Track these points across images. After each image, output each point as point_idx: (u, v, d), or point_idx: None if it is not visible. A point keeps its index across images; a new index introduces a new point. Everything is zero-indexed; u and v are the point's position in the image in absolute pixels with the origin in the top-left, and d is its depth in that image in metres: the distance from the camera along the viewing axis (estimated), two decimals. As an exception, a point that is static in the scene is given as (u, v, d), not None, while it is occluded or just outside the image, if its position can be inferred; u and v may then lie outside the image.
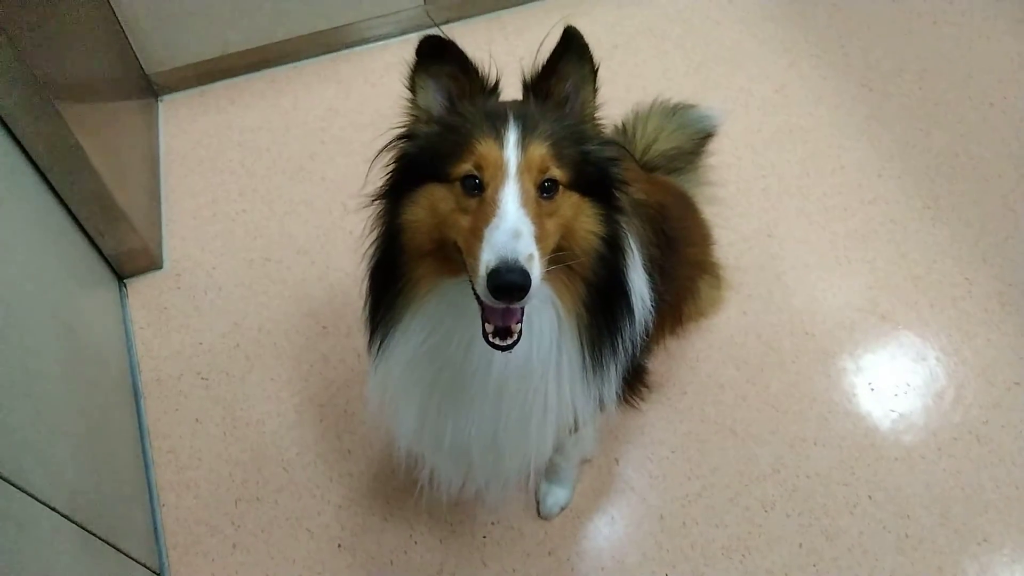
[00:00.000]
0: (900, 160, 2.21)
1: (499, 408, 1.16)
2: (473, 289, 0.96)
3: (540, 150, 0.98)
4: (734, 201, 2.10)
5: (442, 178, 1.01)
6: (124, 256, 1.99)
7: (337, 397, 1.82)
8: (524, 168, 0.97)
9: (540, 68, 1.07)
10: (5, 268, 1.35)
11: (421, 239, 1.04)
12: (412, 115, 1.10)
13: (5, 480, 1.08)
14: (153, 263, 2.06)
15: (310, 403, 1.82)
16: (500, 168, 0.97)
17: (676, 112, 1.76)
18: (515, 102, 1.07)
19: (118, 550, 1.41)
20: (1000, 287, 1.95)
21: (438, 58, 1.05)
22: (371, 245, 1.13)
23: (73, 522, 1.25)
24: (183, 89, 2.45)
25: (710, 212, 1.82)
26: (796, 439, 1.73)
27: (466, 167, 0.98)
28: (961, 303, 1.93)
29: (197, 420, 1.81)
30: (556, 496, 1.64)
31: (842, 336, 1.88)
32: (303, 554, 1.63)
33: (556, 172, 1.00)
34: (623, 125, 1.76)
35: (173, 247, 2.11)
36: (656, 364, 1.82)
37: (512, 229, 0.92)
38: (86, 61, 1.92)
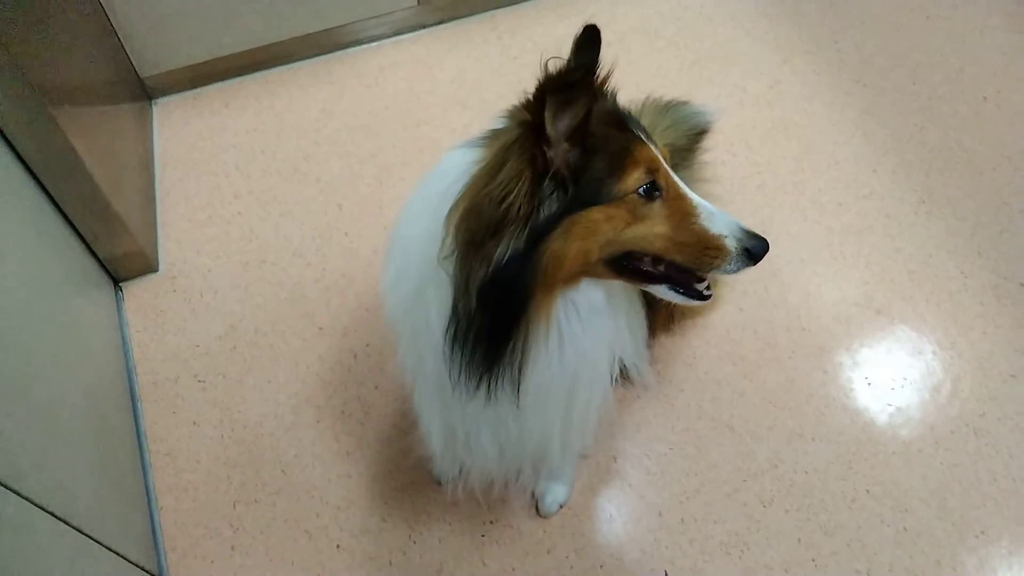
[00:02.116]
0: (894, 155, 2.21)
1: (572, 398, 1.19)
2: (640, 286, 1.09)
3: (662, 141, 1.04)
4: (729, 198, 2.11)
5: (603, 199, 0.96)
6: (119, 259, 1.99)
7: (334, 398, 1.82)
8: (667, 161, 1.02)
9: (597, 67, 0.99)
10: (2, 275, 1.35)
11: (569, 267, 0.99)
12: (537, 151, 0.94)
13: (1, 484, 1.08)
14: (149, 266, 2.05)
15: (307, 405, 1.82)
16: (662, 166, 1.01)
17: (669, 109, 1.75)
18: (601, 101, 1.00)
19: (116, 553, 1.41)
20: (995, 280, 1.96)
21: (571, 88, 0.92)
22: (466, 295, 0.98)
23: (70, 526, 1.25)
24: (177, 92, 2.45)
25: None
26: (793, 434, 1.74)
27: (639, 176, 0.97)
28: (957, 297, 1.94)
29: (194, 423, 1.81)
30: (555, 494, 1.64)
31: (838, 331, 1.89)
32: (302, 555, 1.63)
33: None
34: None
35: (168, 250, 2.10)
36: (653, 361, 1.82)
37: (714, 209, 1.03)
38: (79, 65, 1.92)
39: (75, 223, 1.81)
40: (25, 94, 1.53)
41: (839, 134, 2.26)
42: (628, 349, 1.21)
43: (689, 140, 1.75)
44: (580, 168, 0.95)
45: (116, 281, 2.03)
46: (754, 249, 1.03)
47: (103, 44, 2.14)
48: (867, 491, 1.66)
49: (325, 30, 2.46)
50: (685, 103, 1.78)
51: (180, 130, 2.37)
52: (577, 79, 0.91)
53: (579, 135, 0.95)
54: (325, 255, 2.07)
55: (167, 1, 2.20)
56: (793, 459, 1.70)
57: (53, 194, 1.71)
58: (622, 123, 1.01)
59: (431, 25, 2.58)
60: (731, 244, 1.02)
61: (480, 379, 1.04)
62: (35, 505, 1.16)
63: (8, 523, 1.07)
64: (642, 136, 1.01)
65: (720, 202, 2.02)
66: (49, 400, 1.37)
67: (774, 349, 1.86)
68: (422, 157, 2.25)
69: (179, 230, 2.15)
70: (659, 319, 1.66)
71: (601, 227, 0.97)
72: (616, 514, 1.66)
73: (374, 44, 2.55)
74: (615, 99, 1.06)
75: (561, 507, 1.65)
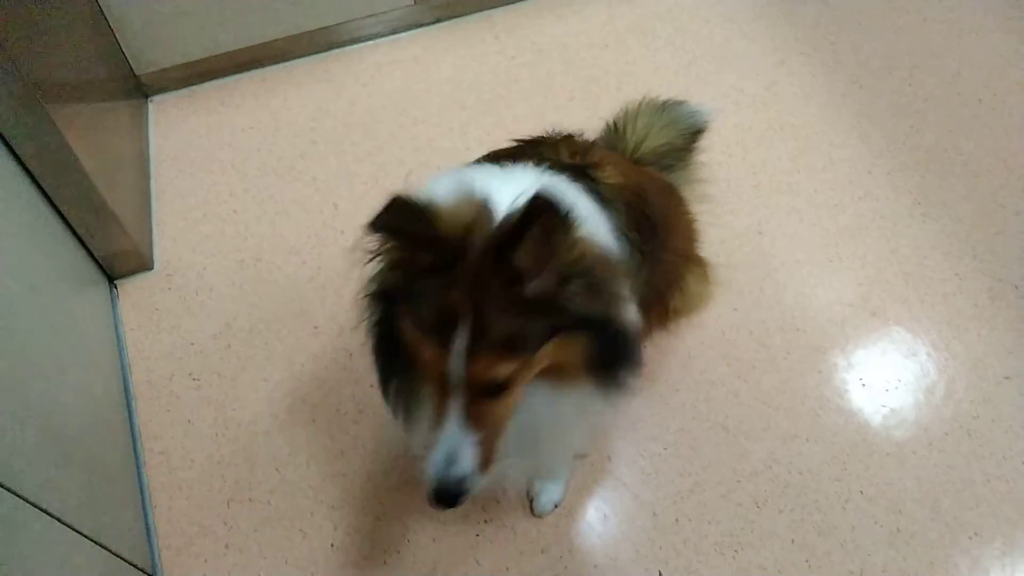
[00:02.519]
0: (890, 157, 2.22)
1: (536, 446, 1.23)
2: None
3: (486, 361, 0.93)
4: (724, 198, 2.11)
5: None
6: (114, 257, 1.98)
7: (330, 397, 1.82)
8: (467, 383, 0.95)
9: (502, 245, 0.90)
10: None
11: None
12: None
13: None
14: (144, 264, 2.05)
15: (302, 403, 1.82)
16: (445, 381, 0.96)
17: (665, 109, 1.76)
18: (473, 279, 0.92)
19: (110, 551, 1.40)
20: (990, 282, 1.96)
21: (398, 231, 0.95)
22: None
23: (64, 524, 1.25)
24: (173, 90, 2.44)
25: (700, 210, 1.81)
26: (788, 435, 1.74)
27: (422, 357, 0.97)
28: (951, 298, 1.94)
29: (189, 421, 1.81)
30: (550, 493, 1.64)
31: (833, 332, 1.89)
32: (296, 554, 1.62)
33: (505, 372, 0.95)
34: (614, 123, 1.76)
35: (164, 248, 2.10)
36: (648, 361, 1.82)
37: (448, 454, 0.99)
38: (75, 62, 1.91)
39: (70, 220, 1.81)
40: (21, 91, 1.53)
41: (835, 136, 2.27)
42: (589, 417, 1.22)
43: (685, 140, 1.75)
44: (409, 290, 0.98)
45: (111, 279, 2.03)
46: (431, 495, 1.02)
47: (99, 41, 2.14)
48: (861, 492, 1.66)
49: (322, 28, 2.46)
50: (681, 103, 1.78)
51: (176, 128, 2.36)
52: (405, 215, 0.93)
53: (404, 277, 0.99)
54: (320, 254, 2.06)
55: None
56: (787, 460, 1.71)
57: (48, 191, 1.71)
58: (441, 317, 0.93)
59: (428, 24, 2.58)
60: (428, 467, 1.01)
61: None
62: (28, 503, 1.15)
63: (1, 521, 1.07)
64: (454, 345, 0.92)
65: (716, 202, 2.04)
66: (43, 398, 1.37)
67: (769, 350, 1.87)
68: (418, 156, 2.25)
69: (174, 228, 2.14)
70: (653, 317, 1.66)
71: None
72: (611, 514, 1.66)
73: (371, 43, 2.55)
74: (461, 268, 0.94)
75: (556, 507, 1.65)
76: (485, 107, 2.37)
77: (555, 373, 1.04)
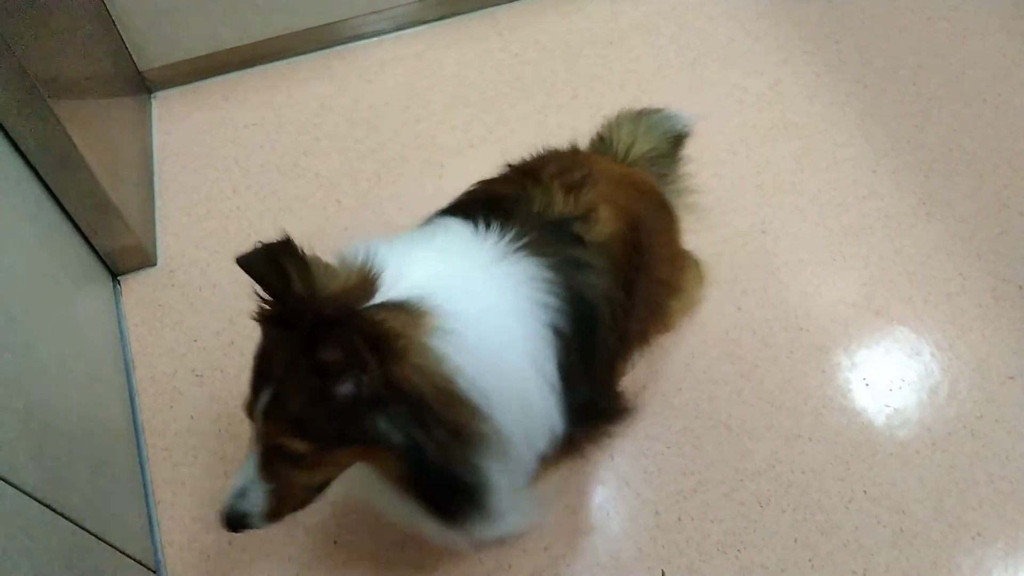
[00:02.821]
0: (894, 156, 2.21)
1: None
2: None
3: (276, 427, 0.98)
4: (728, 197, 2.11)
5: None
6: (118, 253, 1.98)
7: (332, 394, 1.82)
8: (263, 436, 1.00)
9: (312, 334, 0.91)
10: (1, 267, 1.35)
11: None
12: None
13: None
14: (147, 260, 2.05)
15: (305, 400, 1.82)
16: (252, 426, 1.02)
17: (643, 117, 1.74)
18: (293, 348, 0.94)
19: (113, 547, 1.40)
20: (994, 282, 1.96)
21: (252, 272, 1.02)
22: None
23: (68, 519, 1.25)
24: (176, 85, 2.43)
25: (692, 214, 1.80)
26: (791, 435, 1.74)
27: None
28: (955, 298, 1.94)
29: (192, 417, 1.81)
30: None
31: (837, 332, 1.89)
32: (299, 551, 1.62)
33: (298, 446, 0.97)
34: (599, 136, 1.73)
35: (167, 244, 2.10)
36: (651, 360, 1.82)
37: (241, 488, 1.04)
38: (79, 57, 1.91)
39: (73, 216, 1.81)
40: (25, 86, 1.52)
41: (839, 135, 2.26)
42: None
43: (669, 145, 1.72)
44: None
45: (114, 275, 2.03)
46: (220, 516, 1.09)
47: (103, 37, 2.13)
48: (864, 492, 1.66)
49: (325, 25, 2.45)
50: (659, 110, 1.76)
51: (179, 124, 2.36)
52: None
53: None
54: (324, 251, 2.05)
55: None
56: (790, 459, 1.71)
57: (52, 187, 1.70)
58: (261, 369, 0.99)
59: (432, 21, 2.58)
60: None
61: None
62: (32, 498, 1.15)
63: (5, 517, 1.07)
64: (260, 400, 0.97)
65: (719, 201, 2.04)
66: (47, 394, 1.36)
67: (772, 349, 1.86)
68: (421, 153, 2.24)
69: (178, 224, 2.14)
70: (653, 321, 1.63)
71: None
72: (613, 512, 1.66)
73: (374, 39, 2.54)
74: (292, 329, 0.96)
75: (513, 536, 1.59)
76: (488, 104, 2.37)
77: (378, 471, 1.07)
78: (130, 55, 2.30)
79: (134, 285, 2.03)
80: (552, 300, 1.09)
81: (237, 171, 2.24)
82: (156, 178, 2.24)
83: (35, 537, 1.14)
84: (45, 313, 1.51)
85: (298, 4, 2.36)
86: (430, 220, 1.29)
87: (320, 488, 1.12)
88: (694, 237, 1.73)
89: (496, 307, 1.05)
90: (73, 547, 1.26)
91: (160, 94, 2.44)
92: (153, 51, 2.32)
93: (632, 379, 1.80)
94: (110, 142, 1.99)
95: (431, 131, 2.30)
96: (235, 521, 1.06)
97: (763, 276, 1.98)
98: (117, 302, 1.99)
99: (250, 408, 1.00)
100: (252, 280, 1.01)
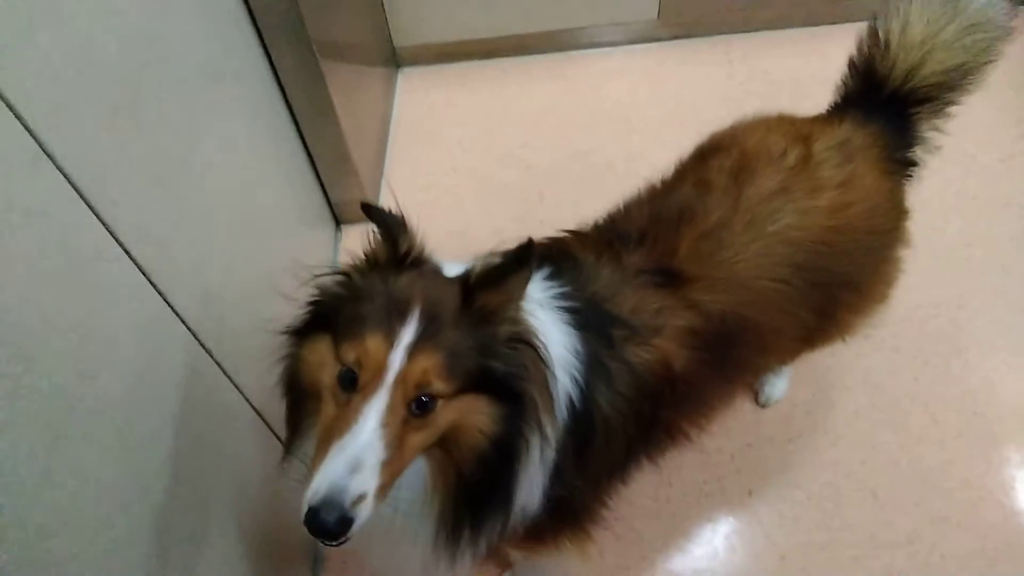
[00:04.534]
0: None
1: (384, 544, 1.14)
2: None
3: (428, 362, 0.89)
4: (931, 264, 2.04)
5: (336, 346, 0.94)
6: (345, 205, 2.24)
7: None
8: (402, 380, 0.88)
9: (484, 276, 0.95)
10: (256, 196, 1.60)
11: (311, 384, 0.99)
12: (358, 262, 1.04)
13: (227, 376, 1.30)
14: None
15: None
16: (379, 374, 0.88)
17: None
18: (433, 288, 0.96)
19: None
20: None
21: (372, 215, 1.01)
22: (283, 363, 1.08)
23: (263, 420, 1.46)
24: (423, 64, 2.67)
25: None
26: (939, 517, 1.69)
27: (350, 357, 0.90)
28: None
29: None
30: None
31: (1014, 425, 1.80)
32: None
33: (439, 386, 0.90)
34: (874, 34, 1.35)
35: (387, 206, 2.32)
36: (812, 406, 1.83)
37: (354, 459, 0.84)
38: (348, 26, 2.15)
39: (318, 166, 2.07)
40: (304, 49, 1.76)
41: (1069, 224, 2.13)
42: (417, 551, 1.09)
43: (980, 51, 1.34)
44: (342, 304, 0.98)
45: (338, 223, 2.29)
46: (308, 518, 0.84)
47: (370, 11, 2.39)
48: (1006, 594, 1.60)
49: (565, 29, 2.60)
50: None
51: (418, 99, 2.59)
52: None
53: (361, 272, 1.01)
54: (519, 237, 2.20)
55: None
56: (932, 541, 1.67)
57: (307, 138, 1.97)
58: (394, 306, 0.92)
59: (665, 39, 2.65)
60: (312, 485, 0.85)
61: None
62: (244, 398, 1.37)
63: (224, 408, 1.29)
64: (401, 336, 0.90)
65: (920, 267, 1.98)
66: (270, 317, 1.59)
67: (940, 427, 1.81)
68: (629, 164, 2.34)
69: (399, 191, 2.35)
70: (830, 332, 1.49)
71: (325, 363, 0.97)
72: (739, 546, 1.70)
73: (607, 49, 2.66)
74: (420, 273, 0.99)
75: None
76: (703, 128, 2.41)
77: (436, 465, 1.00)
78: (389, 31, 2.54)
79: (352, 235, 2.27)
80: (565, 379, 1.07)
81: (459, 152, 2.44)
82: (389, 145, 2.48)
83: (238, 431, 1.37)
84: (281, 243, 1.75)
85: (545, 7, 2.51)
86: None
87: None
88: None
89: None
90: (261, 444, 1.45)
91: (407, 70, 2.68)
92: (410, 30, 2.56)
93: (787, 421, 1.82)
94: (358, 106, 2.23)
95: (643, 145, 2.39)
96: (344, 514, 0.83)
97: (949, 352, 1.92)
98: (335, 247, 2.25)
99: (376, 354, 0.89)
100: (377, 227, 1.04)
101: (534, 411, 0.99)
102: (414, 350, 0.89)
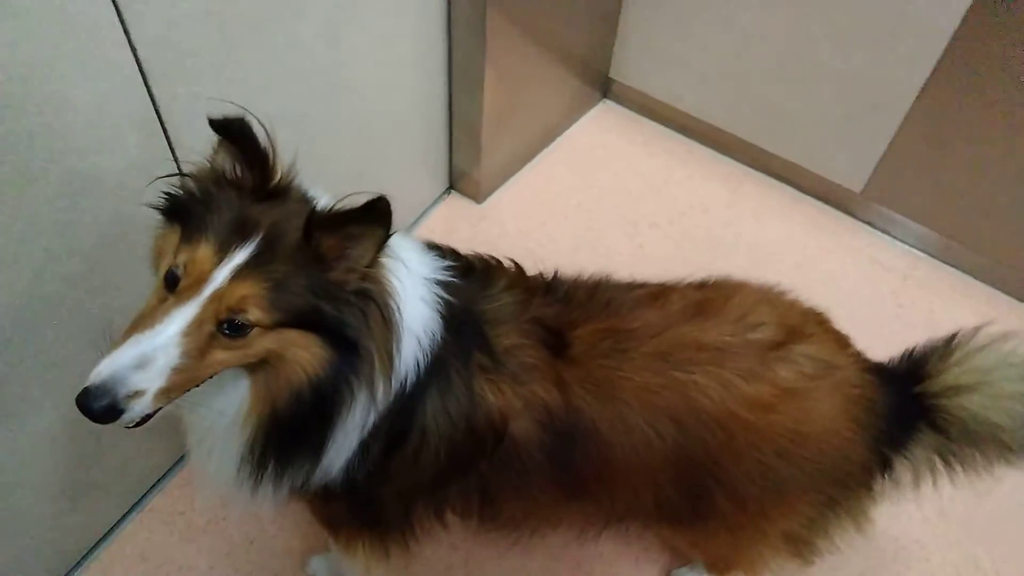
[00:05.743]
0: None
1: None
2: None
3: (249, 289, 0.90)
4: None
5: (178, 243, 0.95)
6: (461, 175, 2.32)
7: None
8: (218, 297, 0.90)
9: (325, 218, 0.93)
10: (391, 99, 1.86)
11: (154, 269, 1.01)
12: (205, 166, 1.01)
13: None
14: (476, 196, 2.35)
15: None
16: (198, 284, 0.90)
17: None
18: (284, 219, 0.95)
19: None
20: None
21: (238, 140, 0.96)
22: None
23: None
24: (622, 105, 2.67)
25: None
26: None
27: (181, 258, 0.92)
28: None
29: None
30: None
31: None
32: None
33: (257, 314, 0.91)
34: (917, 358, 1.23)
35: (498, 199, 2.38)
36: None
37: (143, 356, 0.87)
38: (568, 27, 2.23)
39: (453, 123, 2.15)
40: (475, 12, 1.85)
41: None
42: (219, 466, 1.11)
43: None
44: (191, 204, 0.97)
45: (449, 187, 2.38)
46: (79, 397, 0.86)
47: (597, 29, 2.41)
48: None
49: (771, 153, 2.44)
50: None
51: (595, 131, 2.60)
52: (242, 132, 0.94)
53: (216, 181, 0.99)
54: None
55: (687, 45, 2.35)
56: None
57: (453, 98, 2.07)
58: (239, 224, 0.92)
59: (859, 218, 2.44)
60: (96, 367, 0.88)
61: None
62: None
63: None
64: (233, 255, 0.90)
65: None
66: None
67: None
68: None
69: (519, 192, 2.40)
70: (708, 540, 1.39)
71: (162, 251, 1.00)
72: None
73: (798, 193, 2.49)
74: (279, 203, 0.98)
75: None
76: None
77: (258, 386, 1.00)
78: (608, 58, 2.54)
79: (454, 204, 2.35)
80: (408, 356, 1.06)
81: (594, 192, 2.41)
82: (542, 155, 2.51)
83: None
84: (394, 158, 2.01)
85: (768, 122, 2.38)
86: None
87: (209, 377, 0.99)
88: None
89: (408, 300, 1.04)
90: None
91: (607, 103, 2.68)
92: (630, 71, 2.55)
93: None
94: (525, 100, 2.26)
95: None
96: (114, 400, 0.87)
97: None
98: (433, 205, 2.35)
99: (202, 264, 0.91)
100: (231, 147, 0.98)
101: (368, 367, 1.00)
102: (239, 273, 0.90)
